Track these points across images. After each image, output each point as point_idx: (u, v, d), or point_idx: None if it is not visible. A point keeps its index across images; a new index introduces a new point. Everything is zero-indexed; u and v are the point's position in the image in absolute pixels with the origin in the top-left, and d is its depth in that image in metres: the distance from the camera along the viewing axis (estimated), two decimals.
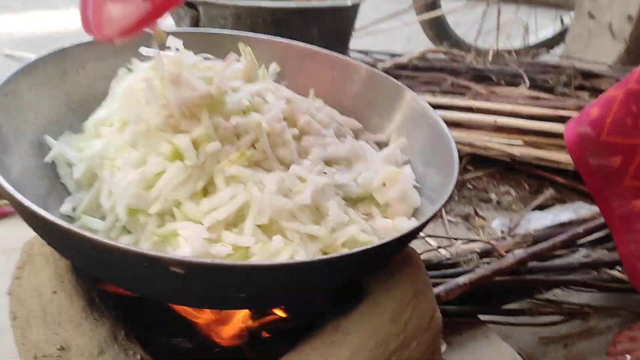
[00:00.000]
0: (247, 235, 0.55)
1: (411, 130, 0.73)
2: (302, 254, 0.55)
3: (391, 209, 0.63)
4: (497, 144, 1.56)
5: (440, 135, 0.67)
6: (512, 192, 1.59)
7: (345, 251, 0.54)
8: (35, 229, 0.55)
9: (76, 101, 0.73)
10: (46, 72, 0.69)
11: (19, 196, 0.48)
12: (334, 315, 0.62)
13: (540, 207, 1.52)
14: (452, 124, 1.63)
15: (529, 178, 1.64)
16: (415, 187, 0.65)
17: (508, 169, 1.65)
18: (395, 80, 0.77)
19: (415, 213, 0.65)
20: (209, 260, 0.45)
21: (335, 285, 0.58)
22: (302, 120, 0.66)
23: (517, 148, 1.55)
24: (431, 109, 0.70)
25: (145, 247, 0.58)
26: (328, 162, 0.66)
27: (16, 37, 2.28)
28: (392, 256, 0.61)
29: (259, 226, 0.56)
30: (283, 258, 0.54)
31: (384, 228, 0.60)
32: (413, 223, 0.60)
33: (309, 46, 0.84)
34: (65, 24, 2.47)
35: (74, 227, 0.45)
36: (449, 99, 1.67)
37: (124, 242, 0.58)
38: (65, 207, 0.62)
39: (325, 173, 0.62)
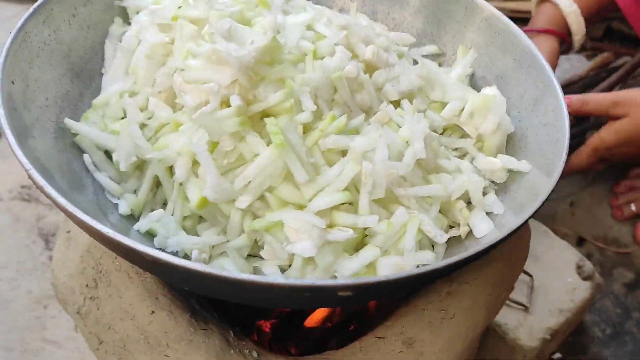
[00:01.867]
0: (364, 212, 0.49)
1: (473, 37, 0.65)
2: (428, 222, 0.49)
3: (487, 142, 0.57)
4: None
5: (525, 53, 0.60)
6: None
7: (474, 250, 0.43)
8: (130, 261, 0.45)
9: (77, 62, 0.59)
10: (39, 35, 0.54)
11: (106, 231, 0.38)
12: None
13: None
14: None
15: None
16: None
17: None
18: None
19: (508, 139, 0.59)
20: (378, 278, 0.39)
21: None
22: (369, 52, 0.57)
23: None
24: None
25: (240, 242, 0.50)
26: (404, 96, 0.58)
27: None
28: None
29: None
30: (411, 232, 0.48)
31: (491, 169, 0.55)
32: (525, 164, 0.54)
33: None
34: None
35: (210, 270, 0.37)
36: None
37: (210, 239, 0.50)
38: (123, 208, 0.52)
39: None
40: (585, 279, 0.93)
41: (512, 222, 0.47)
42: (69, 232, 0.63)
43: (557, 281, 0.91)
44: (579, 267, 0.94)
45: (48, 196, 0.41)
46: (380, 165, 0.48)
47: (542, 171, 0.51)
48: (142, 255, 0.37)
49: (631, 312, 1.03)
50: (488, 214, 0.53)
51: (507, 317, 0.85)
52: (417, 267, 0.48)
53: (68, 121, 0.54)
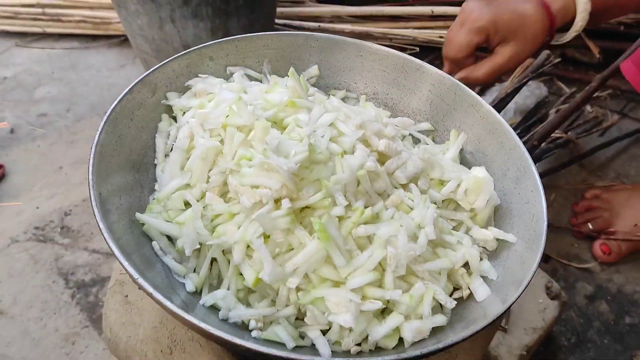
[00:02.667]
0: (389, 288, 0.61)
1: (462, 117, 0.78)
2: (440, 292, 0.62)
3: (479, 214, 0.71)
4: (439, 37, 1.61)
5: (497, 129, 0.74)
6: None
7: (485, 323, 0.55)
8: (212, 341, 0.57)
9: (136, 159, 0.70)
10: (109, 145, 0.65)
11: (218, 333, 0.50)
12: None
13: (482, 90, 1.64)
14: (390, 17, 1.65)
15: None
16: None
17: None
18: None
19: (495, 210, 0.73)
20: (420, 351, 0.52)
21: None
22: (382, 145, 0.69)
23: None
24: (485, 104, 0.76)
25: (288, 312, 0.62)
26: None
27: None
28: None
29: None
30: (428, 301, 0.61)
31: (484, 239, 0.68)
32: (512, 236, 0.68)
33: (329, 36, 0.83)
34: None
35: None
36: None
37: (264, 311, 0.62)
38: (190, 287, 0.64)
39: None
40: (553, 298, 1.08)
41: (507, 288, 0.61)
42: (126, 296, 0.74)
43: (530, 302, 1.06)
44: (547, 288, 1.09)
45: (135, 281, 0.52)
46: (402, 249, 0.61)
47: (526, 244, 0.65)
48: (236, 345, 0.49)
49: (592, 321, 1.20)
50: (483, 277, 0.66)
51: None
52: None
53: (139, 215, 0.65)
